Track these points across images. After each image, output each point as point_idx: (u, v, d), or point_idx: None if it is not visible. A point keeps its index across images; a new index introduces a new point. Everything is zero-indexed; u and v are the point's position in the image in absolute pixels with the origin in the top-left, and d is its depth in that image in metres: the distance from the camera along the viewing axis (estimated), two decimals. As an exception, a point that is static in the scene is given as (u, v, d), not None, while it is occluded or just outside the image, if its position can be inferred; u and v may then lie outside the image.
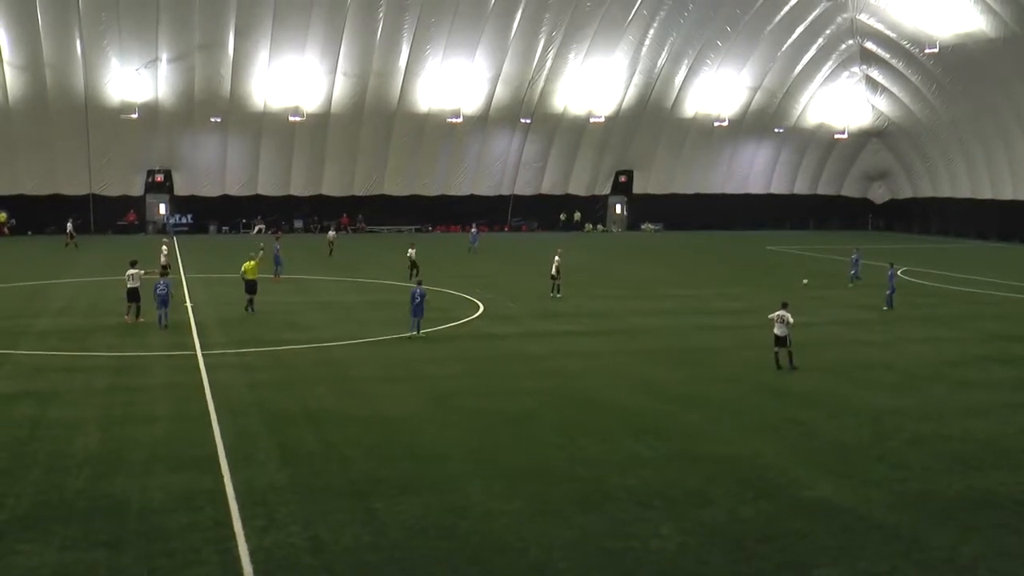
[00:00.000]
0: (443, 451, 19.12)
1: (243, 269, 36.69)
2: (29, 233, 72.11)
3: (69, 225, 64.29)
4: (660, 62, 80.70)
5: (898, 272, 40.99)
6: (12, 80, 68.12)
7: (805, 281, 46.16)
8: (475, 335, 32.54)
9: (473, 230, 67.92)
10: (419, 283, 31.80)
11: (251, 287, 36.17)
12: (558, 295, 41.15)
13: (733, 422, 21.62)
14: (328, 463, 18.19)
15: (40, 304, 38.00)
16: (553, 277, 41.60)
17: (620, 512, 15.88)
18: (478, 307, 38.24)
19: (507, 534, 14.91)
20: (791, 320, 26.88)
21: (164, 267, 42.75)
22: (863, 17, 78.44)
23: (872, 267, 50.05)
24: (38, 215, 73.93)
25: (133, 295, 33.46)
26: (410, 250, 40.69)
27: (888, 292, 39.52)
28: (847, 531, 15.25)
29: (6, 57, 66.97)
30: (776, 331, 26.90)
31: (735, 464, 18.51)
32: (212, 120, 73.76)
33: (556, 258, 42.15)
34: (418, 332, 31.16)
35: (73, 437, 19.62)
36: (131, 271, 33.67)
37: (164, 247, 46.83)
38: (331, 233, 61.80)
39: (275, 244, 47.51)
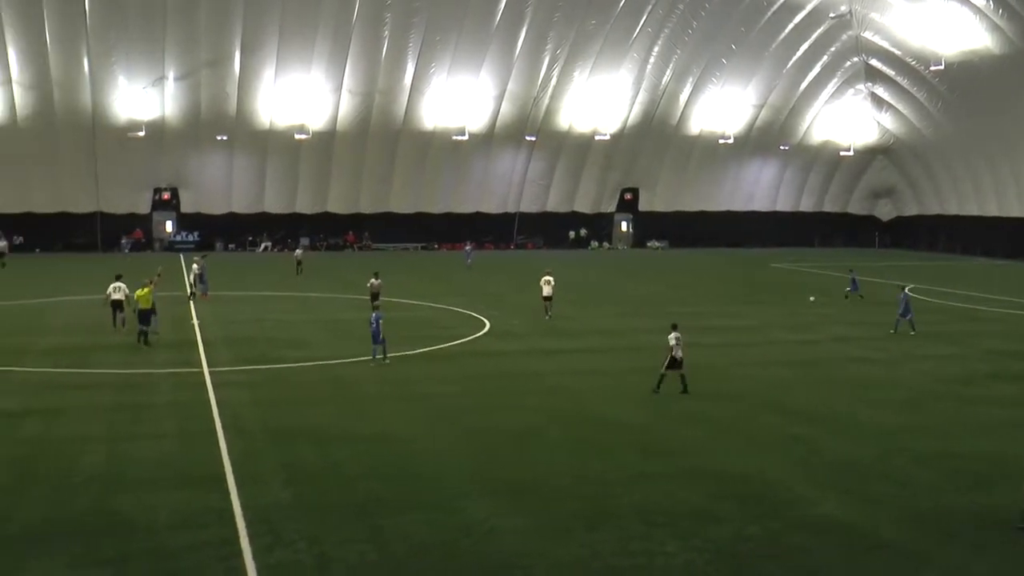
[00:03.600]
0: (447, 469, 19.11)
1: (136, 296, 33.31)
2: (37, 251, 72.30)
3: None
4: (665, 79, 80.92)
5: (909, 293, 39.88)
6: (20, 98, 68.51)
7: (812, 298, 46.11)
8: (480, 352, 32.55)
9: (467, 248, 68.26)
10: (376, 308, 30.93)
11: (144, 317, 32.51)
12: (549, 317, 39.97)
13: (738, 439, 21.60)
14: (333, 481, 18.20)
15: (45, 321, 38.12)
16: (546, 299, 40.28)
17: (626, 529, 15.86)
18: (484, 325, 38.26)
19: (512, 552, 14.90)
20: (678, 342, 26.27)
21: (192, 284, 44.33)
22: (868, 34, 78.63)
23: (874, 284, 49.98)
24: (45, 233, 74.24)
25: (117, 306, 34.53)
26: (372, 279, 39.58)
27: (899, 314, 37.91)
28: (854, 549, 15.22)
29: (14, 75, 67.35)
30: (675, 353, 26.27)
31: (740, 481, 18.49)
32: (218, 138, 74.10)
33: (545, 278, 40.62)
34: (383, 357, 29.62)
35: (79, 454, 19.66)
36: (116, 284, 34.75)
37: (196, 265, 46.70)
38: (298, 252, 61.73)
39: (202, 263, 46.78)
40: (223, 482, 17.88)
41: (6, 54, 66.21)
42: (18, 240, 72.56)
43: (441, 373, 28.85)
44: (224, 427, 21.82)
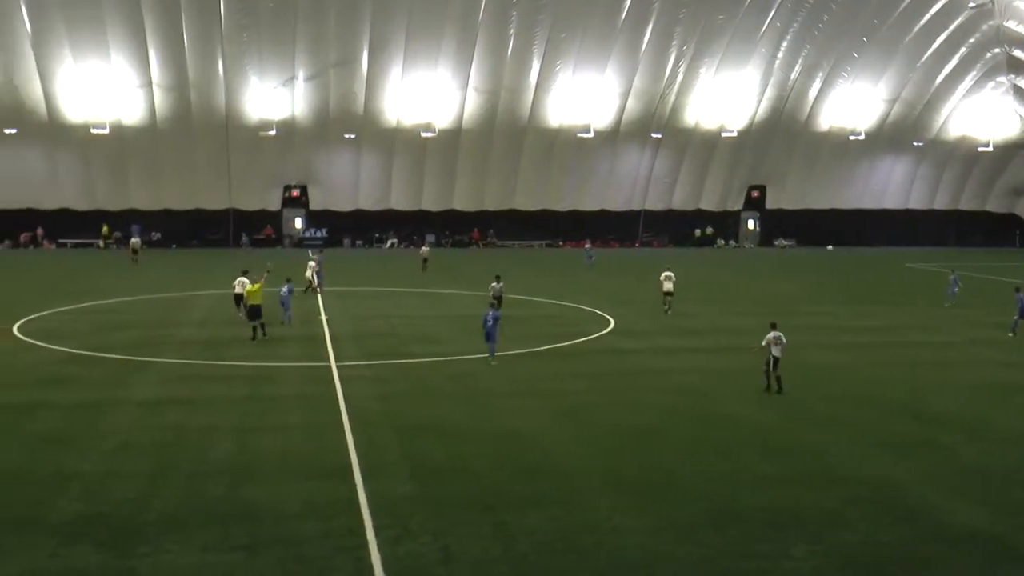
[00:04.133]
0: (571, 466, 19.08)
1: (246, 292, 34.18)
2: (173, 247, 74.75)
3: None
4: (793, 75, 79.34)
5: None
6: (160, 100, 71.02)
7: (947, 304, 44.66)
8: (605, 350, 32.42)
9: (587, 246, 68.12)
10: (492, 306, 30.83)
11: (255, 312, 33.11)
12: (668, 311, 40.47)
13: (868, 443, 21.02)
14: (457, 475, 18.34)
15: (182, 315, 39.41)
16: (667, 293, 40.76)
17: (750, 531, 15.59)
18: (609, 323, 38.11)
19: (634, 551, 14.79)
20: (784, 342, 25.74)
21: (310, 279, 45.41)
22: (1011, 24, 75.60)
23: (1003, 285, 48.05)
24: (181, 229, 76.89)
25: (240, 299, 35.82)
26: (494, 283, 38.78)
27: (1015, 318, 36.66)
28: (992, 560, 14.67)
29: (154, 78, 69.85)
30: (773, 353, 25.69)
31: (871, 486, 17.98)
32: (346, 136, 75.49)
33: (666, 274, 41.05)
34: (492, 357, 29.41)
35: (213, 444, 20.26)
36: (241, 278, 36.20)
37: (312, 261, 47.98)
38: (424, 249, 61.99)
39: (318, 258, 48.55)
40: (350, 474, 18.19)
41: (147, 58, 68.69)
42: (156, 236, 75.12)
43: (566, 370, 28.82)
44: (351, 420, 22.21)
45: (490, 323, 29.18)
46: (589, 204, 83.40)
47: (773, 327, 25.80)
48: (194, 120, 72.25)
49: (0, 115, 70.45)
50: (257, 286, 33.70)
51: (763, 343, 25.73)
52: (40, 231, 76.85)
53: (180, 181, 75.20)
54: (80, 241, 76.39)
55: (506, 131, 77.15)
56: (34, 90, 69.80)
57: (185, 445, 20.23)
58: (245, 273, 36.60)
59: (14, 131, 71.25)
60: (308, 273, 46.18)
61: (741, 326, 38.13)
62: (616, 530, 15.61)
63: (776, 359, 25.52)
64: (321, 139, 75.90)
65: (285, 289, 36.28)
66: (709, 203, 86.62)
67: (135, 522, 15.66)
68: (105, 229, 75.38)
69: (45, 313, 38.72)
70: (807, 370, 29.07)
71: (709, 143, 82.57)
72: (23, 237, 76.82)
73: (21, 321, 36.35)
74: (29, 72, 68.79)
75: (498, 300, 36.33)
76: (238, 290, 36.04)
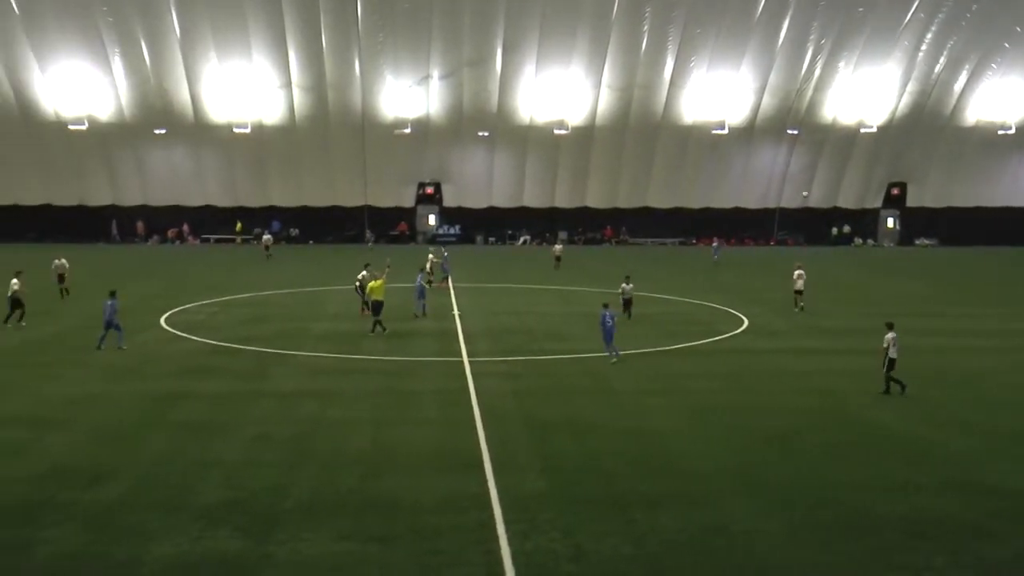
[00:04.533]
0: (704, 466, 18.83)
1: (369, 288, 34.86)
2: (310, 242, 76.59)
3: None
4: (938, 68, 76.87)
5: None
6: (299, 100, 72.98)
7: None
8: (739, 350, 31.91)
9: (715, 243, 67.23)
10: (605, 305, 30.61)
11: (377, 307, 33.87)
12: (799, 309, 40.15)
13: (1016, 452, 20.14)
14: (589, 473, 18.28)
15: (319, 309, 40.34)
16: (798, 292, 40.45)
17: (887, 540, 15.11)
18: (742, 322, 37.54)
19: (767, 555, 14.51)
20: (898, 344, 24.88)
21: (428, 272, 46.75)
22: None
23: None
24: (318, 225, 78.80)
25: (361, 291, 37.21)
26: (624, 284, 38.23)
27: None
28: None
29: (294, 79, 71.77)
30: (890, 354, 24.81)
31: (1020, 498, 17.23)
32: (480, 134, 76.16)
33: (798, 272, 40.79)
34: (614, 356, 29.13)
35: (348, 436, 20.66)
36: (363, 273, 37.56)
37: (431, 256, 49.81)
38: (557, 247, 61.63)
39: (442, 255, 49.69)
40: (481, 469, 18.32)
41: (287, 59, 70.58)
42: (294, 232, 77.15)
43: (700, 369, 28.49)
44: (483, 415, 22.36)
45: (609, 323, 29.03)
46: (723, 201, 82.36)
47: (890, 327, 25.09)
48: (331, 119, 74.00)
49: (151, 117, 73.47)
50: (380, 282, 34.23)
51: (884, 345, 25.00)
52: (186, 227, 79.78)
53: (317, 178, 77.17)
54: (221, 237, 79.00)
55: (639, 128, 76.77)
56: (182, 93, 72.58)
57: (321, 436, 20.68)
58: (367, 267, 37.81)
59: (163, 131, 74.23)
60: (427, 266, 47.59)
61: (879, 328, 37.04)
62: (748, 534, 15.33)
63: (892, 360, 24.78)
64: (455, 137, 76.79)
65: (419, 279, 38.32)
66: (847, 201, 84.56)
67: (273, 509, 16.09)
68: (239, 226, 77.64)
69: (189, 306, 40.17)
70: (951, 375, 28.12)
71: (847, 139, 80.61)
72: (170, 232, 79.97)
73: (167, 313, 37.75)
74: (177, 75, 71.55)
75: (627, 302, 36.07)
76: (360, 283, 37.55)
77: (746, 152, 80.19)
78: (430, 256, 49.85)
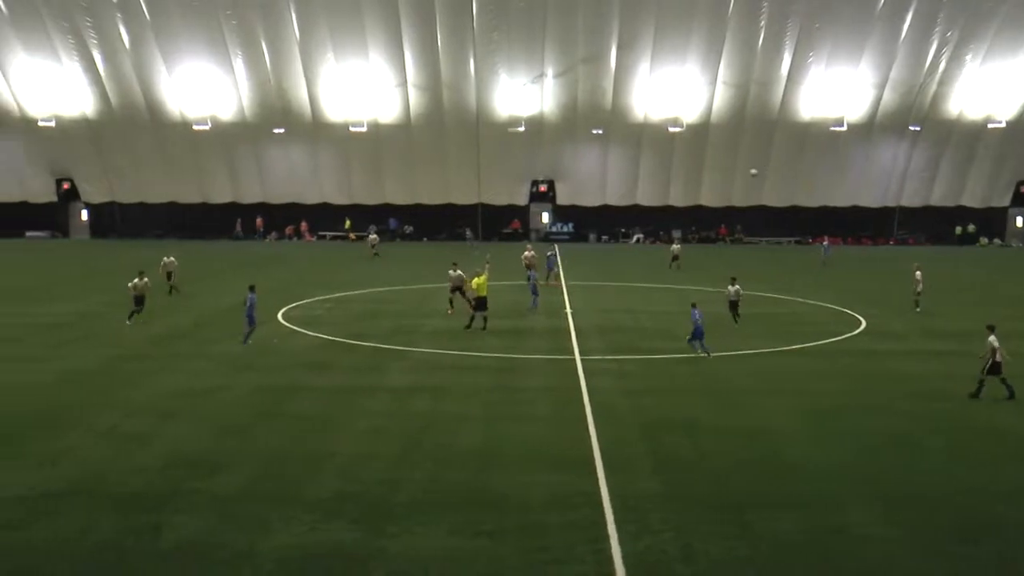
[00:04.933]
0: (820, 468, 18.41)
1: (473, 284, 34.78)
2: (424, 239, 77.42)
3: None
4: (1074, 59, 73.77)
5: None
6: (414, 99, 73.85)
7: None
8: (856, 351, 31.13)
9: (824, 243, 65.62)
10: (694, 305, 29.83)
11: (481, 304, 34.10)
12: (918, 309, 39.20)
13: None
14: (701, 473, 18.06)
15: (431, 305, 40.70)
16: (918, 292, 39.56)
17: (1007, 546, 14.58)
18: (859, 323, 36.66)
19: (883, 561, 14.13)
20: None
21: (527, 266, 46.55)
22: None
23: None
24: (432, 223, 79.66)
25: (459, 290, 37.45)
26: (729, 286, 37.07)
27: None
28: None
29: (410, 79, 72.65)
30: (996, 357, 23.66)
31: None
32: (593, 132, 75.92)
33: (917, 272, 39.81)
34: (705, 353, 29.02)
35: (460, 431, 20.79)
36: (451, 272, 38.03)
37: (528, 250, 50.11)
38: (675, 246, 59.78)
39: (550, 254, 49.52)
40: (592, 467, 18.24)
41: (403, 58, 71.47)
42: (409, 230, 78.02)
43: (816, 370, 27.92)
44: (594, 414, 22.26)
45: (698, 321, 28.92)
46: (840, 200, 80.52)
47: (991, 330, 24.21)
48: (446, 117, 74.68)
49: (270, 116, 75.19)
50: (483, 278, 34.43)
51: (990, 348, 24.09)
52: (304, 224, 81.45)
53: (432, 176, 77.97)
54: (337, 234, 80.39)
55: (755, 125, 75.59)
56: (300, 92, 74.11)
57: (434, 431, 20.86)
58: (454, 266, 38.19)
59: (282, 131, 75.91)
60: (524, 261, 47.91)
61: (1006, 331, 35.76)
62: (866, 539, 14.94)
63: (997, 364, 23.88)
64: (569, 135, 76.71)
65: (531, 274, 39.31)
66: (972, 199, 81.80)
67: (386, 503, 16.28)
68: (347, 223, 78.65)
69: (305, 302, 40.94)
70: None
71: (973, 135, 78.03)
72: (288, 230, 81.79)
73: (284, 309, 38.55)
74: (296, 75, 73.08)
75: (733, 303, 35.39)
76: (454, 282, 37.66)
77: (865, 149, 78.20)
78: (526, 251, 49.62)
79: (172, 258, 44.22)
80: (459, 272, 37.58)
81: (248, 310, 30.71)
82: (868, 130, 76.94)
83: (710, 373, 27.39)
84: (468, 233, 76.37)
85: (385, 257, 63.13)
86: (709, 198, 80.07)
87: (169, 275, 43.33)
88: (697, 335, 29.04)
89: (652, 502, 16.38)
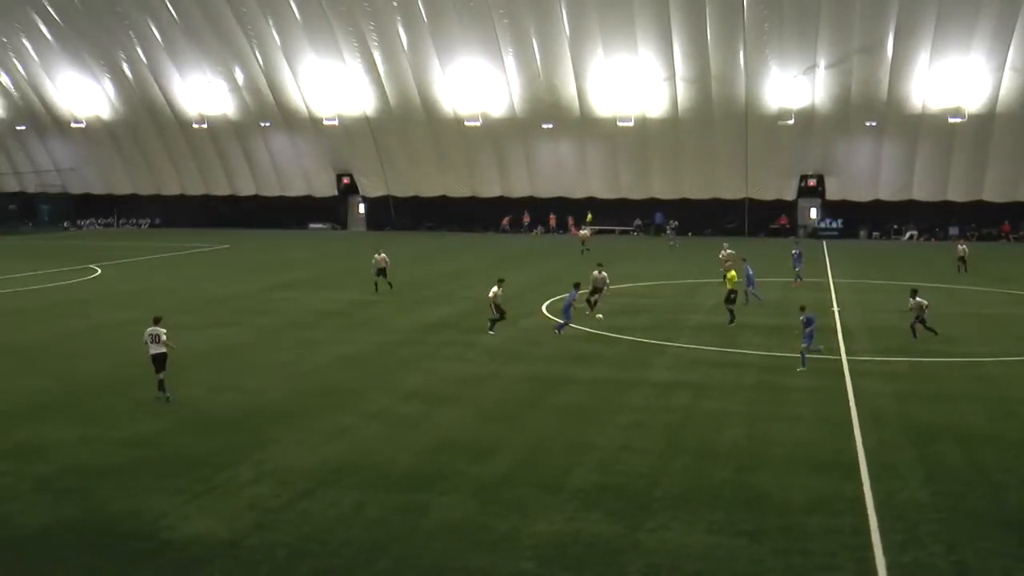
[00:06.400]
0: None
1: (727, 279, 35.60)
2: (688, 234, 76.90)
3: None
4: None
5: None
6: (683, 93, 73.44)
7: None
8: None
9: None
10: (802, 308, 27.71)
11: (730, 297, 34.60)
12: None
13: None
14: (977, 485, 17.14)
15: (696, 300, 40.50)
16: None
17: None
18: None
19: None
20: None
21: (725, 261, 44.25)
22: None
23: None
24: (698, 218, 79.02)
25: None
26: (911, 299, 33.12)
27: None
28: None
29: (678, 72, 72.29)
30: None
31: None
32: (867, 124, 73.03)
33: None
34: (804, 362, 26.87)
35: (721, 428, 20.67)
36: (594, 273, 37.17)
37: (725, 250, 47.63)
38: (961, 247, 53.08)
39: (796, 251, 46.89)
40: (857, 472, 17.71)
41: (671, 52, 71.22)
42: (674, 224, 77.51)
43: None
44: (860, 417, 21.60)
45: (810, 326, 26.89)
46: None
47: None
48: (714, 111, 73.85)
49: (539, 111, 76.79)
50: (732, 273, 35.54)
51: None
52: (571, 219, 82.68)
53: (698, 171, 77.33)
54: (602, 228, 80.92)
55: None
56: (568, 88, 75.24)
57: (694, 427, 20.84)
58: (599, 267, 37.33)
59: (550, 126, 77.36)
60: (721, 255, 46.44)
61: None
62: None
63: None
64: (841, 127, 74.15)
65: (749, 271, 39.34)
66: None
67: (644, 497, 16.43)
68: (589, 217, 78.58)
69: (567, 295, 41.50)
70: None
71: None
72: (552, 220, 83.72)
73: (548, 301, 39.37)
74: (565, 71, 74.24)
75: (919, 318, 31.75)
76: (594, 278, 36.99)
77: None
78: (723, 250, 47.75)
79: (383, 254, 44.43)
80: (604, 274, 36.79)
81: (566, 306, 32.14)
82: None
83: (990, 379, 25.96)
84: (669, 231, 73.36)
85: (589, 252, 61.46)
86: (992, 193, 75.14)
87: (382, 271, 43.39)
88: (805, 339, 26.95)
89: (921, 512, 15.74)
